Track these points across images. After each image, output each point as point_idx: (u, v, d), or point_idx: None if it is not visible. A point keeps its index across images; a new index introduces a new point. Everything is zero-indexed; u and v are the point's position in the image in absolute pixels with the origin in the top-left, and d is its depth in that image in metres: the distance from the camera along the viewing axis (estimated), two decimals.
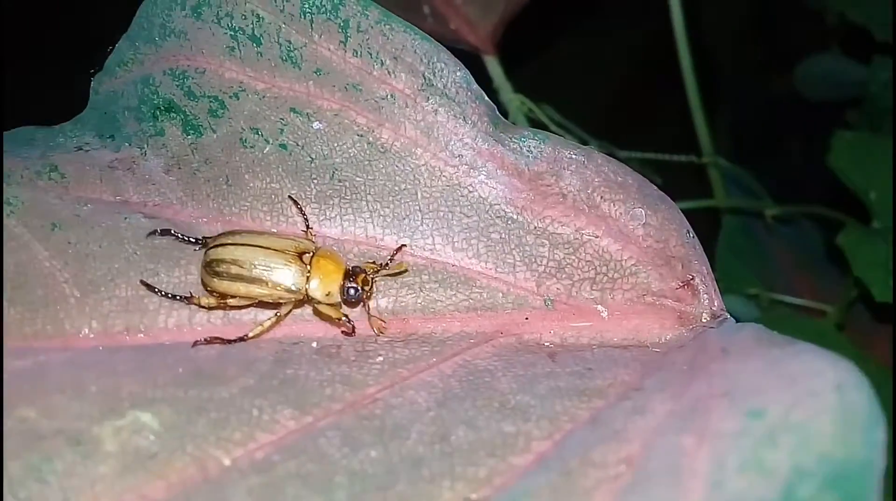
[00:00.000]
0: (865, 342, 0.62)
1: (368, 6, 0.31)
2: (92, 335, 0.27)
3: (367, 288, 0.28)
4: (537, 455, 0.22)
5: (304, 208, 0.30)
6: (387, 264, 0.29)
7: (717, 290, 0.31)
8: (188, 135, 0.32)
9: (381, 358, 0.27)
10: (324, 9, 0.31)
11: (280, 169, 0.31)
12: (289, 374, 0.26)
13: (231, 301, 0.28)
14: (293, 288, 0.28)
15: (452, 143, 0.31)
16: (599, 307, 0.30)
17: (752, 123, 0.77)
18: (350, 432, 0.24)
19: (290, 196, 0.31)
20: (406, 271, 0.30)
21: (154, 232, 0.29)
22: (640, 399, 0.23)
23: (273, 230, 0.30)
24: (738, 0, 0.96)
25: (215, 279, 0.27)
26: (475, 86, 0.31)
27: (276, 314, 0.28)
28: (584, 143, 0.64)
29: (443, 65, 0.31)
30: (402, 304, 0.30)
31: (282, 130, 0.32)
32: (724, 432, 0.18)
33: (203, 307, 0.28)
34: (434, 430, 0.23)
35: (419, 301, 0.30)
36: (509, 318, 0.30)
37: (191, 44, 0.33)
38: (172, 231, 0.29)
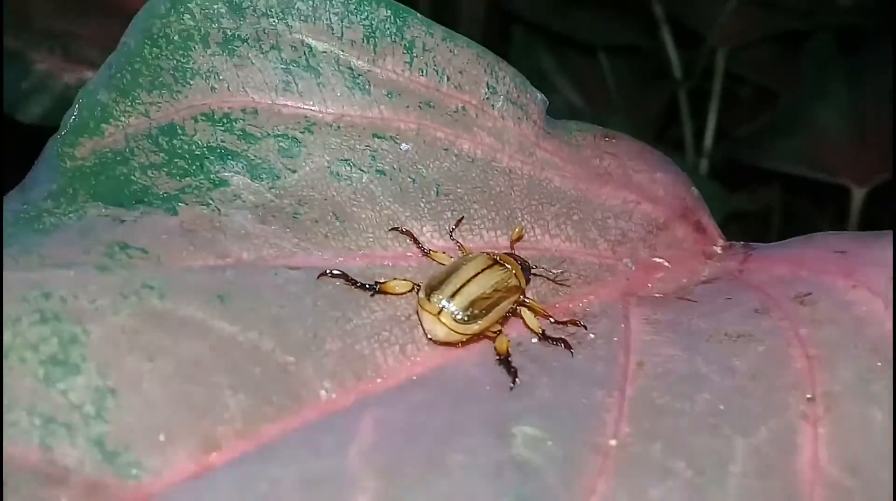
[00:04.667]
0: None
1: (431, 25, 0.32)
2: (334, 395, 0.25)
3: (528, 263, 0.31)
4: (804, 365, 0.28)
5: (413, 230, 0.31)
6: (512, 245, 0.32)
7: (716, 226, 0.38)
8: (262, 181, 0.30)
9: (591, 336, 0.30)
10: (388, 32, 0.32)
11: (385, 195, 0.31)
12: (556, 367, 0.27)
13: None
14: (519, 286, 0.29)
15: (523, 144, 0.34)
16: (658, 259, 0.36)
17: None
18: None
19: (393, 228, 0.31)
20: (523, 234, 0.32)
21: (325, 274, 0.28)
22: (827, 303, 0.29)
23: (410, 254, 0.30)
24: None
25: (474, 324, 0.27)
26: (531, 87, 0.34)
27: (498, 326, 0.28)
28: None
29: (503, 72, 0.34)
30: (543, 292, 0.32)
31: (373, 156, 0.31)
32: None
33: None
34: (715, 368, 0.27)
35: (551, 287, 0.32)
36: (617, 283, 0.34)
37: (227, 84, 0.31)
38: (346, 275, 0.28)
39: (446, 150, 0.32)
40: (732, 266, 0.36)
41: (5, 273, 0.25)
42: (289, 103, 0.31)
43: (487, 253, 0.30)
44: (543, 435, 0.24)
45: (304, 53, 0.31)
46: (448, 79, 0.33)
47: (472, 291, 0.28)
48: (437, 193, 0.32)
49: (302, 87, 0.31)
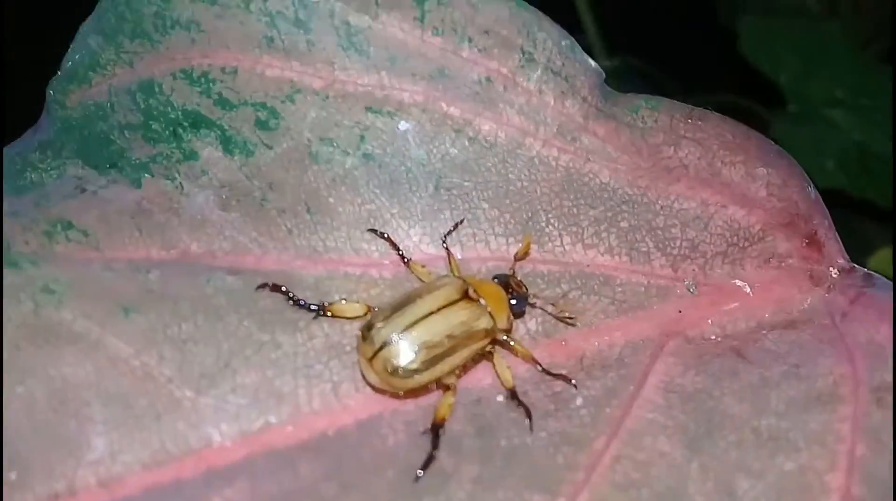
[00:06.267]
0: None
1: None
2: (228, 444, 0.22)
3: (524, 291, 0.25)
4: (841, 493, 0.20)
5: (399, 232, 0.26)
6: (514, 263, 0.25)
7: (839, 241, 0.29)
8: (233, 155, 0.26)
9: (580, 400, 0.24)
10: None
11: (371, 185, 0.26)
12: (504, 446, 0.22)
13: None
14: (489, 329, 0.23)
15: (564, 125, 0.27)
16: (739, 282, 0.28)
17: (640, 14, 0.75)
18: None
19: (370, 229, 0.25)
20: (530, 243, 0.26)
21: (262, 286, 0.24)
22: None
23: (387, 263, 0.25)
24: None
25: (414, 378, 0.22)
26: (582, 54, 0.27)
27: (454, 378, 0.23)
28: None
29: (545, 34, 0.26)
30: (553, 322, 0.26)
31: (362, 136, 0.26)
32: None
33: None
34: (711, 486, 0.21)
35: (567, 316, 0.26)
36: (663, 315, 0.27)
37: (208, 36, 0.26)
38: (286, 291, 0.24)
39: (458, 131, 0.26)
40: (840, 303, 0.28)
41: None
42: (273, 63, 0.26)
43: (463, 279, 0.24)
44: None
45: (293, 3, 0.26)
46: (470, 41, 0.26)
47: (423, 334, 0.23)
48: (437, 186, 0.26)
49: (288, 43, 0.26)
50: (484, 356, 0.24)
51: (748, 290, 0.28)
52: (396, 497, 0.20)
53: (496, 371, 0.24)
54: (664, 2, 0.75)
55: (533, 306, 0.25)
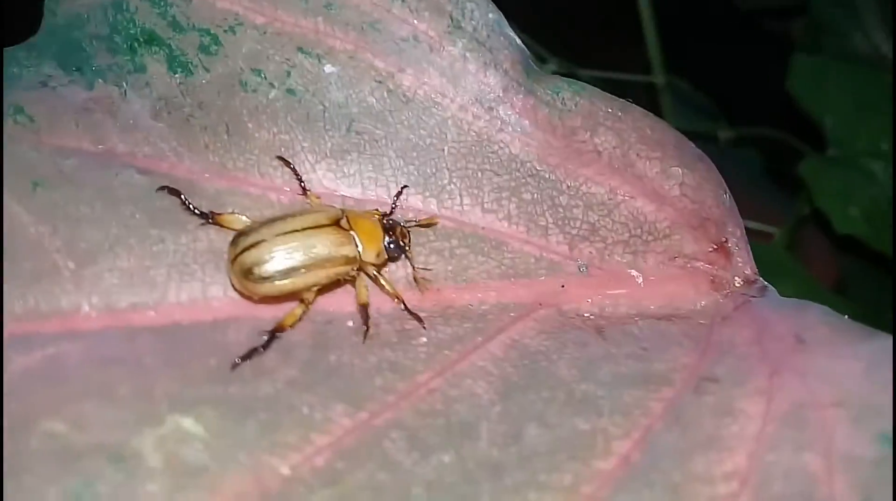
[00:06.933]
0: (809, 262, 0.64)
1: None
2: (94, 314, 0.24)
3: (405, 240, 0.26)
4: (621, 458, 0.21)
5: (305, 163, 0.27)
6: (415, 221, 0.27)
7: (750, 253, 0.30)
8: (175, 73, 0.28)
9: (424, 339, 0.25)
10: None
11: (289, 118, 0.28)
12: (332, 361, 0.23)
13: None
14: (350, 257, 0.25)
15: (483, 94, 0.28)
16: (634, 272, 0.29)
17: (705, 42, 0.75)
18: (415, 432, 0.22)
19: (278, 157, 0.27)
20: (437, 222, 0.27)
21: (163, 188, 0.26)
22: (722, 396, 0.22)
23: (287, 189, 0.27)
24: None
25: (265, 284, 0.24)
26: (508, 30, 0.28)
27: (311, 294, 0.25)
28: (543, 60, 0.61)
29: (473, 5, 0.28)
30: (434, 272, 0.27)
31: (289, 72, 0.28)
32: (860, 458, 0.17)
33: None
34: (505, 428, 0.22)
35: (450, 268, 0.27)
36: (545, 286, 0.28)
37: None
38: (182, 196, 0.26)
39: (379, 83, 0.28)
40: (727, 308, 0.28)
41: None
42: None
43: (341, 210, 0.26)
44: (202, 435, 0.21)
45: None
46: (403, 0, 0.28)
47: (281, 246, 0.25)
48: (349, 129, 0.28)
49: None
50: (347, 281, 0.25)
51: (640, 280, 0.29)
52: (210, 379, 0.22)
53: (355, 289, 0.25)
54: (724, 28, 0.75)
55: (406, 253, 0.26)
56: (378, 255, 0.26)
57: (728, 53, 0.74)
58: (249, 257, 0.24)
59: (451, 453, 0.21)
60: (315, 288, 0.25)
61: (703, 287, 0.29)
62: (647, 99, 0.67)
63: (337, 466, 0.21)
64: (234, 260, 0.24)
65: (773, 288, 0.28)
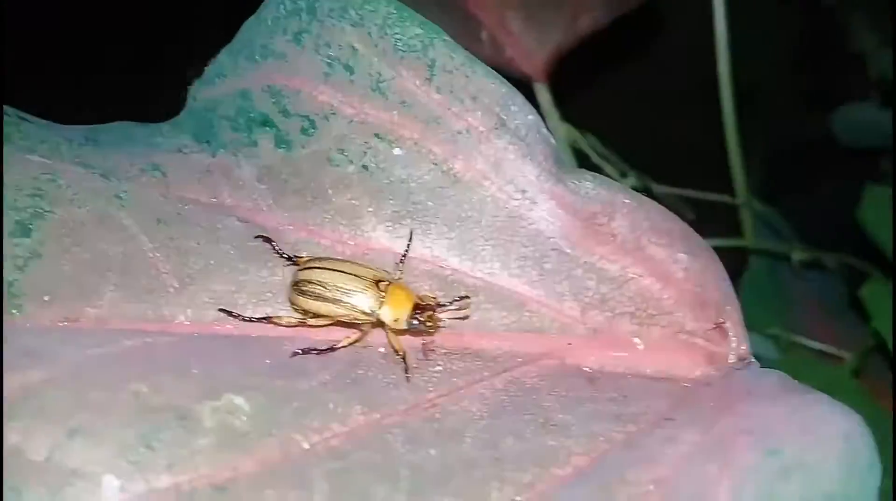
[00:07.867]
0: (878, 390, 0.65)
1: (455, 49, 0.34)
2: (187, 323, 0.31)
3: (429, 324, 0.32)
4: (576, 469, 0.26)
5: (368, 223, 0.34)
6: (452, 302, 0.32)
7: (746, 335, 0.34)
8: (279, 148, 0.36)
9: (439, 368, 0.30)
10: (414, 48, 0.35)
11: (361, 188, 0.35)
12: (359, 374, 0.29)
13: (311, 320, 0.31)
14: (367, 311, 0.31)
15: (518, 179, 0.34)
16: (636, 340, 0.33)
17: (787, 165, 0.79)
18: (413, 431, 0.27)
19: (351, 218, 0.34)
20: (469, 305, 0.33)
21: (258, 237, 0.33)
22: (672, 429, 0.26)
23: (351, 243, 0.34)
24: (783, 43, 0.98)
25: (301, 298, 0.31)
26: (544, 129, 0.34)
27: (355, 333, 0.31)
28: (624, 174, 0.67)
29: (517, 108, 0.34)
30: (458, 319, 0.33)
31: (365, 152, 0.35)
32: (745, 465, 0.22)
33: (281, 326, 0.31)
34: (486, 437, 0.27)
35: (475, 318, 0.33)
36: (555, 342, 0.33)
37: (289, 66, 0.37)
38: (272, 242, 0.33)
39: (436, 164, 0.35)
40: (714, 376, 0.32)
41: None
42: (325, 91, 0.36)
43: (387, 272, 0.32)
44: (248, 411, 0.27)
45: (348, 53, 0.36)
46: (461, 101, 0.35)
47: (325, 276, 0.31)
48: (407, 199, 0.34)
49: (337, 80, 0.36)
50: (363, 326, 0.32)
51: (642, 347, 0.33)
52: (262, 373, 0.28)
53: (389, 341, 0.31)
54: (817, 157, 0.78)
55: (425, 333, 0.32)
56: (396, 321, 0.31)
57: (816, 180, 0.78)
58: (303, 273, 0.31)
59: (437, 448, 0.26)
60: (335, 319, 0.31)
61: (699, 360, 0.33)
62: (728, 217, 0.71)
63: (346, 448, 0.26)
64: (293, 278, 0.31)
65: (757, 362, 0.32)
